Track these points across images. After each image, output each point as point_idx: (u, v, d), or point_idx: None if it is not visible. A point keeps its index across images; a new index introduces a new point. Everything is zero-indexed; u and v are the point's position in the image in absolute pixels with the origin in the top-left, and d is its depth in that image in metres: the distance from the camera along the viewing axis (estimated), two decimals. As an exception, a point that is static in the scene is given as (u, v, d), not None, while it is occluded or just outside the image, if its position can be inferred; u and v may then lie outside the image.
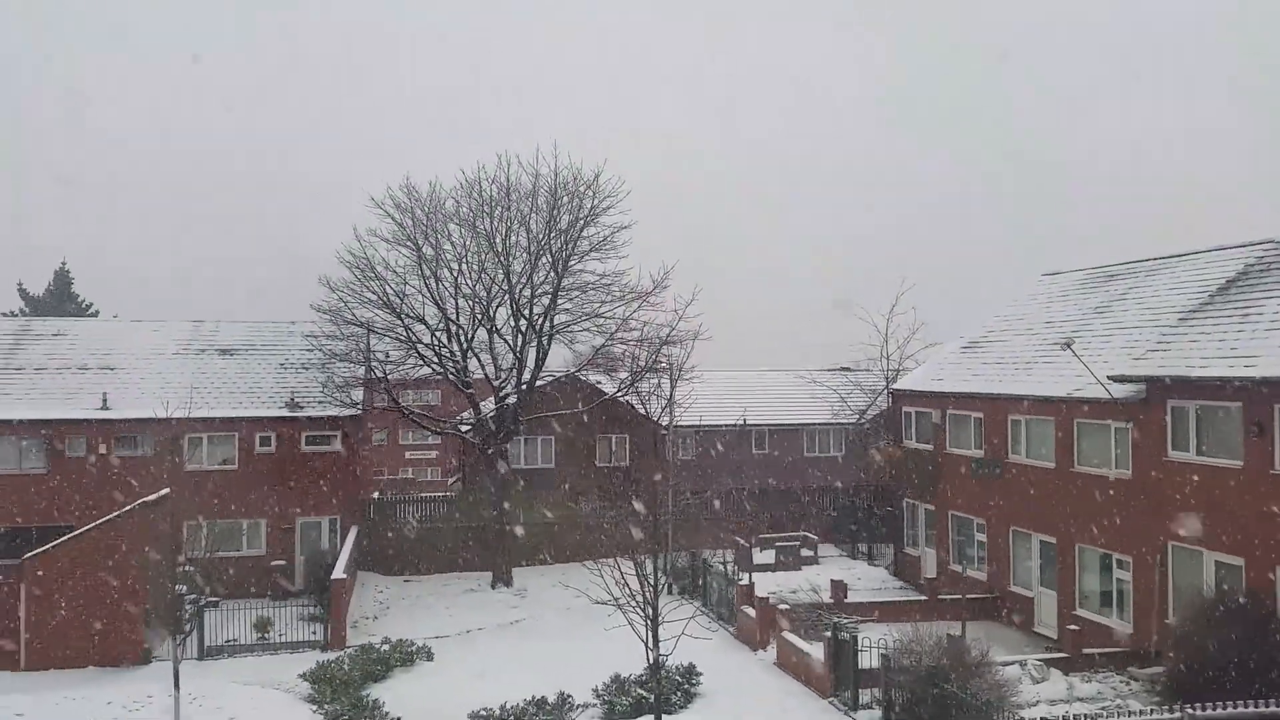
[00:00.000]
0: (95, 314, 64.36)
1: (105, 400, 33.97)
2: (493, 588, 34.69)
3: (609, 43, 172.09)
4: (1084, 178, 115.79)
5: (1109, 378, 23.46)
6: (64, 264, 67.55)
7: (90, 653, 26.31)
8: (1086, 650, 22.70)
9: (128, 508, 27.66)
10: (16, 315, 58.73)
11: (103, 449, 33.49)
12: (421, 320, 35.23)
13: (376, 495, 43.77)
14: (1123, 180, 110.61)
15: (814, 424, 45.52)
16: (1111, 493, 24.05)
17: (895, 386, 36.36)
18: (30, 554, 26.92)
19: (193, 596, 26.03)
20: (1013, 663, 21.37)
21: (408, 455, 68.02)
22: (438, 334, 35.43)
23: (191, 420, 30.98)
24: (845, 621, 23.63)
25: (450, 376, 36.32)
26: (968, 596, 27.12)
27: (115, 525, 27.04)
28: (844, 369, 46.27)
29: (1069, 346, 24.69)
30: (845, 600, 28.22)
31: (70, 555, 26.59)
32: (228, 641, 27.62)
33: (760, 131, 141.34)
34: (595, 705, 22.10)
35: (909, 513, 34.09)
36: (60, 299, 65.76)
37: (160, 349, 37.09)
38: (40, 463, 33.35)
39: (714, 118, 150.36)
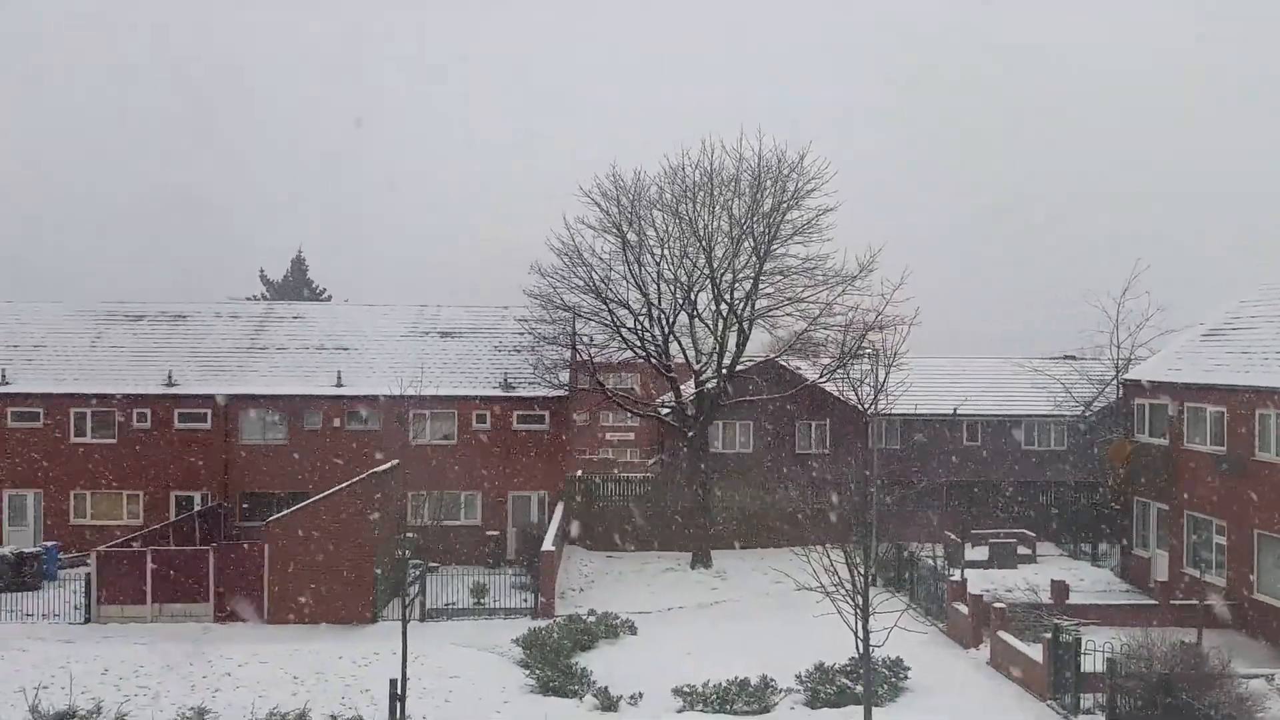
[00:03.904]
0: (328, 299, 69.40)
1: (340, 378, 36.61)
2: (691, 568, 34.99)
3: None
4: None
5: (1381, 368, 21.03)
6: (300, 253, 73.18)
7: (323, 610, 28.27)
8: (1348, 669, 20.53)
9: (359, 477, 29.65)
10: (259, 300, 64.21)
11: (336, 423, 36.17)
12: (625, 305, 35.89)
13: (580, 473, 45.07)
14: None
15: (1033, 415, 43.19)
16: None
17: (1126, 376, 34.00)
18: (272, 518, 29.29)
19: (416, 561, 27.61)
20: (1258, 676, 19.65)
21: (607, 436, 69.48)
22: (640, 318, 36.00)
23: (417, 398, 32.87)
24: (1066, 623, 22.44)
25: (652, 360, 36.84)
26: (1205, 603, 25.10)
27: (348, 493, 28.94)
28: (1068, 357, 43.71)
29: (1331, 333, 22.34)
30: (1066, 602, 26.75)
31: (307, 520, 28.65)
32: (446, 604, 29.16)
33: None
34: (798, 690, 21.92)
35: (1139, 512, 31.82)
36: (297, 285, 71.31)
37: (388, 331, 39.57)
38: (281, 435, 36.35)
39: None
